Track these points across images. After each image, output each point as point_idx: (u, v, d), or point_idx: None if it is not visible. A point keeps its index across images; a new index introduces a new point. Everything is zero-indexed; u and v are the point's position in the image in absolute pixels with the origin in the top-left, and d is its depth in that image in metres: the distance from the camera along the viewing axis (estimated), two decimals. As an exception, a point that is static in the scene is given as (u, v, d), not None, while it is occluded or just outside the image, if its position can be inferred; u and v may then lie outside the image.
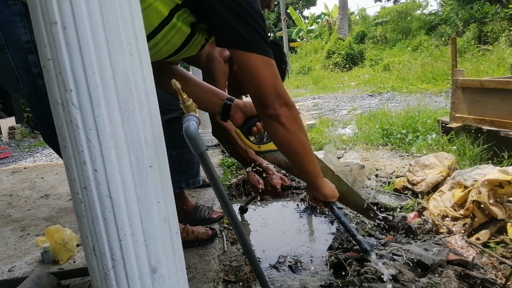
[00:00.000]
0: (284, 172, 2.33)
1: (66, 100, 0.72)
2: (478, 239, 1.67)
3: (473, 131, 2.86)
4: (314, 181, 1.29)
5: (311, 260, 1.73)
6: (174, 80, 0.86)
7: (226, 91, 2.11)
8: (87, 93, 0.71)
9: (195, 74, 3.71)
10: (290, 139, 1.17)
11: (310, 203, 2.33)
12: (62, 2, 0.68)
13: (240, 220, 2.05)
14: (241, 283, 1.56)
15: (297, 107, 7.23)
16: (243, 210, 2.24)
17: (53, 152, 5.27)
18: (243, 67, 1.11)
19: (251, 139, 1.49)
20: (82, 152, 0.74)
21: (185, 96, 0.89)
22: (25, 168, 4.05)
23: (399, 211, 2.01)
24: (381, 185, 2.47)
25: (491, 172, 1.79)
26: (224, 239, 1.91)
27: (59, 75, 0.71)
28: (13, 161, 4.85)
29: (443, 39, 14.94)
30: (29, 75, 1.11)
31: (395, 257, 1.49)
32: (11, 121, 6.92)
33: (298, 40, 26.55)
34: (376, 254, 1.54)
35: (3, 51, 1.10)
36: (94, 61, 0.71)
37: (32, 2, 0.71)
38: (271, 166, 1.82)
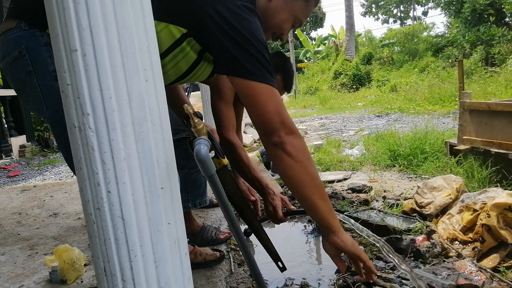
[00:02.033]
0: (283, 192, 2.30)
1: (83, 124, 0.75)
2: (491, 267, 1.65)
3: (481, 153, 2.85)
4: (327, 221, 1.12)
5: (319, 283, 1.72)
6: (186, 105, 0.89)
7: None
8: (103, 117, 0.74)
9: (203, 93, 3.77)
10: (296, 170, 1.09)
11: (317, 225, 2.32)
12: (83, 31, 0.72)
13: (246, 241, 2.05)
14: (248, 306, 1.55)
15: (304, 127, 7.27)
16: (247, 233, 2.22)
17: (62, 171, 5.32)
18: (244, 95, 1.09)
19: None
20: (96, 174, 0.76)
21: (196, 120, 0.91)
22: (34, 187, 4.09)
23: (408, 234, 2.00)
24: (389, 207, 2.46)
25: (500, 195, 1.78)
26: (231, 260, 1.90)
27: (77, 100, 0.74)
28: (23, 179, 4.90)
29: (450, 60, 15.02)
30: (52, 99, 1.17)
31: (403, 281, 1.48)
32: (22, 139, 7.02)
33: (306, 61, 26.85)
34: (385, 278, 1.53)
35: (31, 77, 1.18)
36: (111, 87, 0.74)
37: (54, 31, 0.75)
38: (274, 186, 1.79)
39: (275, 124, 1.06)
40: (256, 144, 5.99)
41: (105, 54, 0.73)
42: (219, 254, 1.84)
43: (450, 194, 2.21)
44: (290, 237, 2.30)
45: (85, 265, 1.84)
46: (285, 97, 17.27)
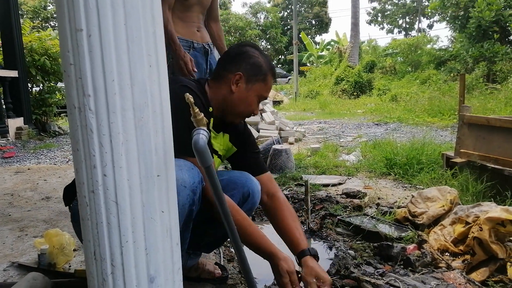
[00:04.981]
0: None
1: (83, 105, 0.74)
2: (480, 280, 1.65)
3: (477, 167, 2.86)
4: (270, 253, 1.32)
5: (307, 284, 1.71)
6: (187, 94, 0.88)
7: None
8: (104, 100, 0.73)
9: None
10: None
11: (309, 226, 2.32)
12: (89, 11, 0.71)
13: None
14: (235, 302, 1.54)
15: (303, 130, 7.27)
16: None
17: (58, 156, 5.30)
18: None
19: None
20: (93, 156, 0.75)
21: (196, 110, 0.91)
22: (28, 169, 4.07)
23: (399, 242, 2.00)
24: (382, 214, 2.46)
25: (493, 210, 1.79)
26: (221, 255, 1.90)
27: (79, 80, 0.74)
28: (18, 161, 4.87)
29: (452, 74, 15.05)
30: None
31: (392, 287, 1.48)
32: (19, 121, 6.97)
33: (308, 64, 26.88)
34: (373, 284, 1.53)
35: None
36: (114, 69, 0.73)
37: (60, 10, 0.74)
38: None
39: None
40: (253, 143, 5.98)
41: (110, 36, 0.72)
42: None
43: (443, 206, 2.21)
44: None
45: (74, 250, 1.83)
46: (286, 99, 17.27)
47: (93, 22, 0.71)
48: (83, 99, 0.74)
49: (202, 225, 1.40)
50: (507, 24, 13.95)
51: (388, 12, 39.01)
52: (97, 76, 0.73)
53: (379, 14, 39.38)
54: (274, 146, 4.03)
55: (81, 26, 0.72)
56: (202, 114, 0.90)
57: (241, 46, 1.45)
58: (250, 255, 1.27)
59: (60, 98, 8.22)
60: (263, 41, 29.93)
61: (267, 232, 2.39)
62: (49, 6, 26.46)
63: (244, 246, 1.26)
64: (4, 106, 6.82)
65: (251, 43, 1.52)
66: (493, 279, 1.63)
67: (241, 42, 1.49)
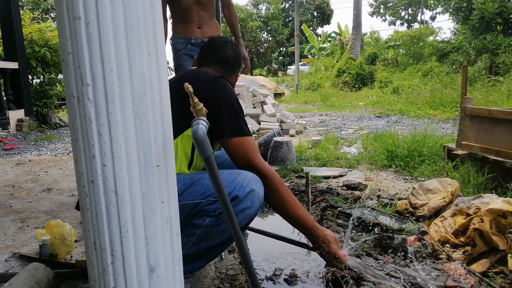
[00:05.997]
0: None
1: (82, 94, 0.74)
2: (481, 271, 1.66)
3: (479, 159, 2.85)
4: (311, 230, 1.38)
5: (308, 275, 1.72)
6: (186, 83, 0.87)
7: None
8: (103, 89, 0.73)
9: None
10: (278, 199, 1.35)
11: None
12: (87, -1, 0.70)
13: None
14: (235, 293, 1.55)
15: (304, 122, 7.26)
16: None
17: (59, 147, 5.30)
18: (226, 150, 1.34)
19: None
20: (92, 146, 0.75)
21: (196, 100, 0.90)
22: (29, 161, 4.07)
23: (399, 233, 2.00)
24: (383, 206, 2.46)
25: (494, 201, 1.78)
26: (222, 247, 1.90)
27: (77, 69, 0.73)
28: (19, 153, 4.88)
29: (454, 66, 14.96)
30: None
31: (392, 278, 1.48)
32: (20, 113, 6.97)
33: (310, 56, 26.75)
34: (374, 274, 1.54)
35: None
36: (113, 58, 0.72)
37: (58, -3, 0.73)
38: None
39: (245, 168, 1.31)
40: (254, 135, 5.99)
41: (108, 24, 0.71)
42: None
43: (444, 197, 2.21)
44: (282, 227, 2.30)
45: (75, 241, 1.84)
46: (287, 91, 17.22)
47: (91, 10, 0.70)
48: (81, 88, 0.73)
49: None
50: (511, 16, 13.83)
51: (391, 4, 38.71)
52: (95, 65, 0.72)
53: (382, 6, 39.09)
54: (275, 138, 4.02)
55: (79, 14, 0.71)
56: (202, 105, 0.90)
57: (236, 46, 1.60)
58: (251, 247, 1.27)
59: (60, 90, 8.21)
60: (264, 33, 29.77)
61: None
62: (49, -3, 26.29)
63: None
64: (4, 98, 6.81)
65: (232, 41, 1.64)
66: (493, 270, 1.64)
67: (226, 40, 1.59)
